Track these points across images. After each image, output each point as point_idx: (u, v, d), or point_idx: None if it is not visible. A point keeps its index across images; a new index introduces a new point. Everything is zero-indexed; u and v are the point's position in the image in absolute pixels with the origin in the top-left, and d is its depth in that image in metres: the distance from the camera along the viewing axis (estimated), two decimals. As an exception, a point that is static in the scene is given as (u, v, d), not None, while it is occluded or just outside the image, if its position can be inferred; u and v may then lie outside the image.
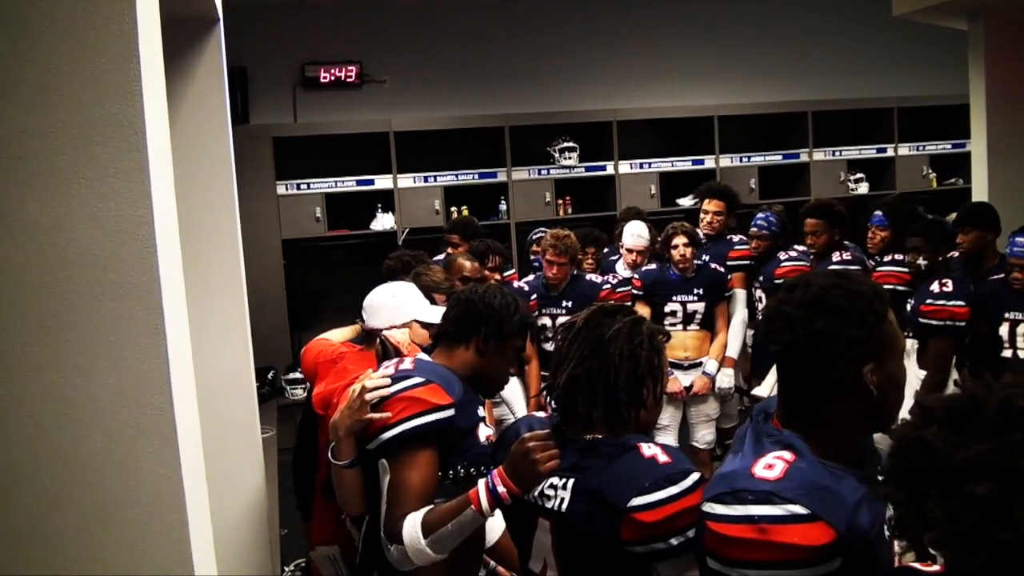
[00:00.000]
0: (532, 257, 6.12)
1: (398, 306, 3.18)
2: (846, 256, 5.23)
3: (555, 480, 2.13)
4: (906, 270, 4.85)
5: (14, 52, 1.44)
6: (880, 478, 1.74)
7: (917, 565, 1.54)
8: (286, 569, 4.36)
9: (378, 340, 3.05)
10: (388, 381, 2.41)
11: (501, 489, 2.11)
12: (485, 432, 2.54)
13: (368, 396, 2.38)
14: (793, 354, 1.74)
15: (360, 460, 2.48)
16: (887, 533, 1.72)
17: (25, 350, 1.46)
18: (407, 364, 2.51)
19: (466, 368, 2.54)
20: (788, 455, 1.66)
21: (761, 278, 5.51)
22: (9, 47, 1.43)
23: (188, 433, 1.62)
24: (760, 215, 5.62)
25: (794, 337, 1.71)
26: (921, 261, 4.68)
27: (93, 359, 1.48)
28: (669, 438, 5.18)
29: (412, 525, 2.23)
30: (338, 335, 3.51)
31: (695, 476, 1.98)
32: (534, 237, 6.25)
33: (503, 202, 8.37)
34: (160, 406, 1.51)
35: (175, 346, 1.57)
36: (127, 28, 1.46)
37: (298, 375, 7.58)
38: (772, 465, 1.65)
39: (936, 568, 1.49)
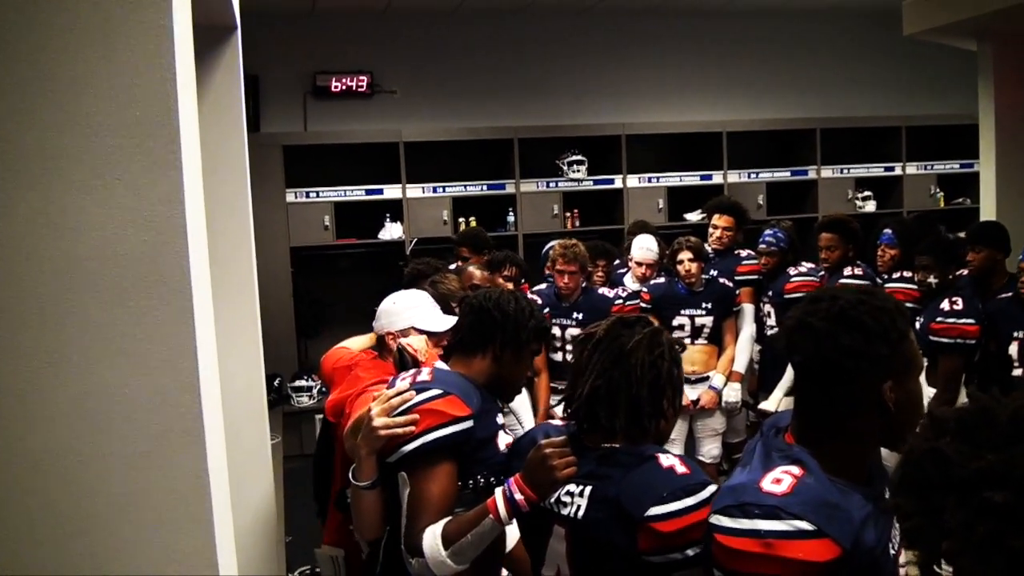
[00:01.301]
0: (547, 271, 6.12)
1: (396, 312, 3.18)
2: (857, 271, 5.25)
3: (572, 487, 2.14)
4: (915, 287, 4.85)
5: (51, 52, 1.45)
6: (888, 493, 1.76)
7: None
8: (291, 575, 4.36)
9: (396, 348, 3.04)
10: (412, 392, 2.39)
11: (519, 496, 2.12)
12: (504, 440, 2.52)
13: (395, 402, 2.37)
14: (815, 367, 1.74)
15: (381, 480, 2.46)
16: (892, 551, 1.73)
17: (59, 346, 1.48)
18: (425, 375, 2.49)
19: (484, 376, 2.52)
20: (796, 470, 1.67)
21: (770, 293, 5.51)
22: (45, 47, 1.45)
23: (214, 429, 1.63)
24: (768, 231, 5.62)
25: (818, 350, 1.72)
26: (931, 279, 4.68)
27: (125, 355, 1.50)
28: (675, 452, 5.16)
29: (432, 537, 2.22)
30: (357, 343, 3.52)
31: (712, 488, 1.99)
32: (547, 252, 6.23)
33: (511, 214, 8.39)
34: (189, 402, 1.53)
35: (204, 344, 1.59)
36: (163, 30, 1.48)
37: (304, 383, 7.62)
38: (780, 480, 1.66)
39: None
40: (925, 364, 4.55)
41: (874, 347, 1.67)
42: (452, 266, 5.56)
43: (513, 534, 2.73)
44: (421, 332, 3.13)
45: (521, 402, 4.93)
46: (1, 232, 1.45)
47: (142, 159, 1.48)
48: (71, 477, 1.50)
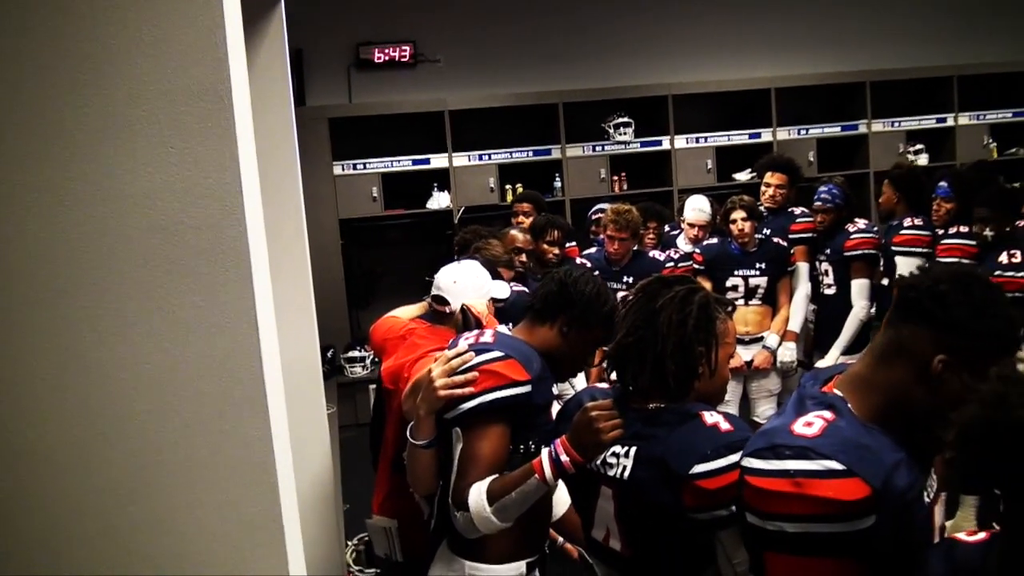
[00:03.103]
0: (592, 235, 6.10)
1: (459, 292, 3.17)
2: (917, 222, 5.17)
3: (617, 448, 2.16)
4: (972, 242, 4.77)
5: (101, 22, 1.46)
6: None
7: (962, 535, 1.53)
8: (349, 544, 4.40)
9: (459, 310, 3.06)
10: (471, 354, 2.40)
11: (564, 458, 2.14)
12: (556, 410, 2.54)
13: (455, 362, 2.38)
14: (906, 296, 1.74)
15: (437, 441, 2.48)
16: (927, 499, 1.75)
17: (117, 316, 1.50)
18: (487, 337, 2.50)
19: (545, 346, 2.52)
20: (828, 414, 1.70)
21: (827, 251, 5.43)
22: (100, 19, 1.46)
23: (275, 396, 1.65)
24: (823, 188, 5.51)
25: (917, 284, 1.73)
26: (988, 232, 4.60)
27: (186, 324, 1.52)
28: (730, 412, 5.14)
29: (478, 493, 2.24)
30: (407, 312, 3.53)
31: None
32: (594, 217, 6.21)
33: (558, 179, 8.36)
34: (251, 369, 1.54)
35: (263, 312, 1.60)
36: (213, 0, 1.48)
37: (356, 353, 7.68)
38: (811, 423, 1.69)
39: (981, 536, 1.49)
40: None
41: (954, 313, 1.66)
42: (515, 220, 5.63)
43: (564, 499, 2.74)
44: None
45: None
46: (58, 203, 1.47)
47: (197, 128, 1.49)
48: (132, 447, 1.52)
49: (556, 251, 5.14)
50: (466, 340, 2.51)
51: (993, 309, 1.67)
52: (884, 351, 1.76)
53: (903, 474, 1.63)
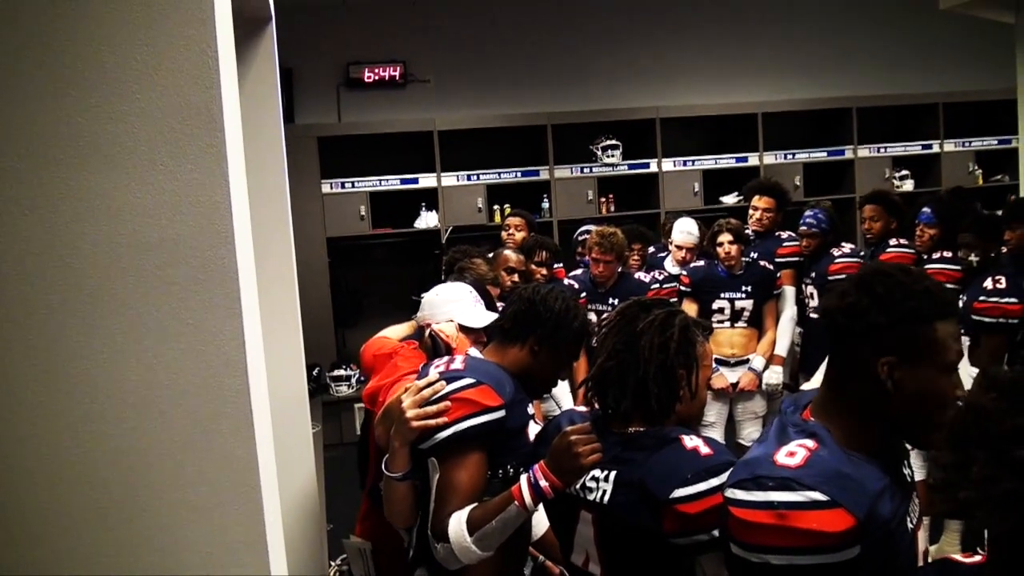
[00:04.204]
0: (578, 257, 6.12)
1: (438, 304, 3.14)
2: (902, 241, 5.21)
3: (597, 472, 2.14)
4: (956, 267, 4.80)
5: (95, 39, 1.47)
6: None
7: (957, 556, 1.53)
8: (332, 564, 4.39)
9: (427, 334, 3.04)
10: (442, 383, 2.38)
11: (543, 483, 2.12)
12: (535, 430, 2.52)
13: (426, 393, 2.37)
14: (825, 324, 1.78)
15: (413, 473, 2.45)
16: (910, 525, 1.74)
17: (106, 333, 1.49)
18: (458, 363, 2.47)
19: (517, 367, 2.50)
20: (811, 443, 1.68)
21: (813, 275, 5.46)
22: (92, 37, 1.46)
23: (261, 415, 1.65)
24: (808, 212, 5.55)
25: (828, 306, 1.76)
26: (972, 257, 4.63)
27: (174, 341, 1.51)
28: (715, 435, 5.14)
29: (458, 523, 2.22)
30: (396, 332, 3.53)
31: None
32: (579, 238, 6.23)
33: (546, 200, 8.39)
34: (238, 388, 1.54)
35: (251, 329, 1.60)
36: (206, 18, 1.49)
37: (342, 372, 7.67)
38: (794, 453, 1.67)
39: (977, 559, 1.48)
40: (967, 344, 4.52)
41: (872, 313, 1.67)
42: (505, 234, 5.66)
43: (542, 522, 2.73)
44: (462, 328, 3.12)
45: (561, 387, 4.92)
46: (48, 220, 1.47)
47: (187, 145, 1.49)
48: (119, 464, 1.52)
49: (544, 272, 5.17)
50: (436, 368, 2.48)
51: (901, 292, 1.67)
52: (835, 380, 1.78)
53: (886, 502, 1.63)
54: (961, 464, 1.30)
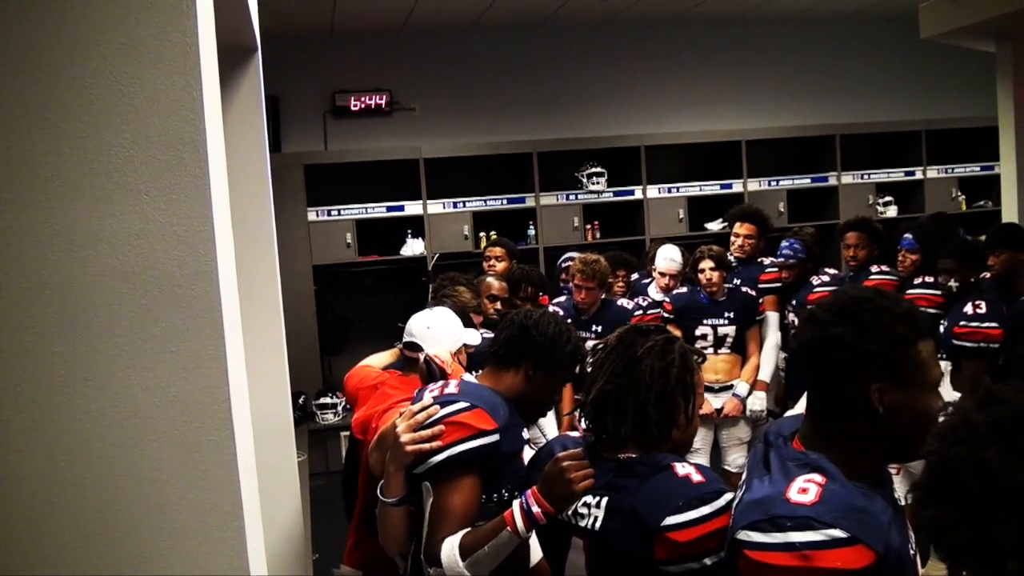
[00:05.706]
0: (562, 284, 6.14)
1: (433, 337, 3.15)
2: (884, 268, 5.25)
3: (589, 499, 2.13)
4: (938, 292, 4.83)
5: (79, 72, 1.48)
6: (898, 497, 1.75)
7: None
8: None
9: (423, 360, 3.05)
10: (436, 407, 2.39)
11: (536, 509, 2.12)
12: (529, 455, 2.53)
13: (420, 417, 2.38)
14: (807, 356, 1.76)
15: (408, 498, 2.46)
16: (912, 551, 1.72)
17: (90, 361, 1.50)
18: (452, 388, 2.49)
19: (512, 392, 2.52)
20: (819, 478, 1.65)
21: (794, 303, 5.49)
22: (78, 66, 1.47)
23: (244, 443, 1.65)
24: (784, 243, 5.59)
25: (811, 339, 1.74)
26: (953, 283, 4.66)
27: (155, 369, 1.51)
28: (701, 461, 5.14)
29: (450, 547, 2.23)
30: (379, 359, 3.53)
31: (728, 496, 1.98)
32: (563, 265, 6.24)
33: (531, 227, 8.41)
34: (220, 416, 1.54)
35: (234, 358, 1.60)
36: (189, 50, 1.50)
37: (328, 400, 7.65)
38: (806, 489, 1.64)
39: None
40: (948, 369, 4.55)
41: (863, 342, 1.67)
42: (486, 264, 5.66)
43: (537, 549, 2.73)
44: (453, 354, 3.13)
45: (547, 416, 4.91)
46: (30, 247, 1.47)
47: (171, 174, 1.50)
48: (100, 493, 1.51)
49: (529, 307, 5.15)
50: (430, 392, 2.49)
51: (888, 317, 1.68)
52: (823, 412, 1.77)
53: (896, 533, 1.62)
54: (974, 524, 1.27)
